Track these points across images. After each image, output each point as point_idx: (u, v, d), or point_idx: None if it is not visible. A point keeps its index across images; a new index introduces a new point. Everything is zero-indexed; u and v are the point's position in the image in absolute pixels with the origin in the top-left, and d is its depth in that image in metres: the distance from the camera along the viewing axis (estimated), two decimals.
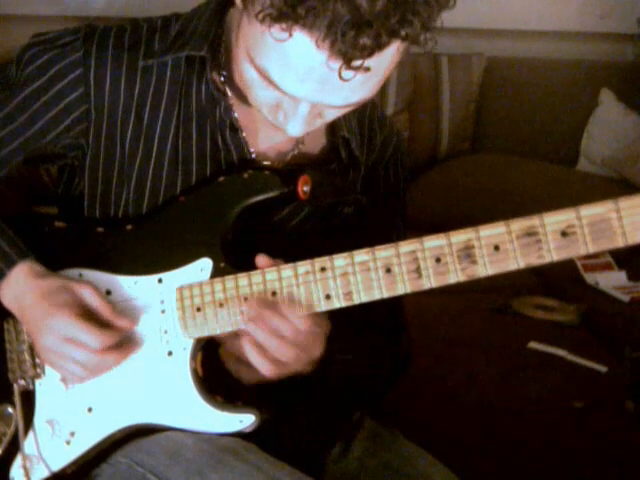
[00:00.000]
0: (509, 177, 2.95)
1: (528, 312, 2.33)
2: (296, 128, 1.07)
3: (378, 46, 0.94)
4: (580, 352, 2.09)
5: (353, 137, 1.25)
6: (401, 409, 1.57)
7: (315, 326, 1.10)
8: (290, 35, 0.94)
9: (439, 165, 3.17)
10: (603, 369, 2.03)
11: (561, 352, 2.09)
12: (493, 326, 2.26)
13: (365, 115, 1.30)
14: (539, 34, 3.39)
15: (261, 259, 1.11)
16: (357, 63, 0.95)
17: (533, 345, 2.13)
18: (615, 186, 2.88)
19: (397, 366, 1.35)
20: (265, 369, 1.09)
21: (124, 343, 1.14)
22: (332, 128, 1.24)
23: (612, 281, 2.47)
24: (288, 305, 1.08)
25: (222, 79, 1.18)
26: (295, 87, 1.00)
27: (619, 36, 3.38)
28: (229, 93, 1.18)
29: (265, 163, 1.21)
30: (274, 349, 1.08)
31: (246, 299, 1.11)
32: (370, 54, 0.95)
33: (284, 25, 0.94)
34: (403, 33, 0.95)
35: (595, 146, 3.10)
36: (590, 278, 2.49)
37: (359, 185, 1.28)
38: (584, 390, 1.95)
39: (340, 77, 0.96)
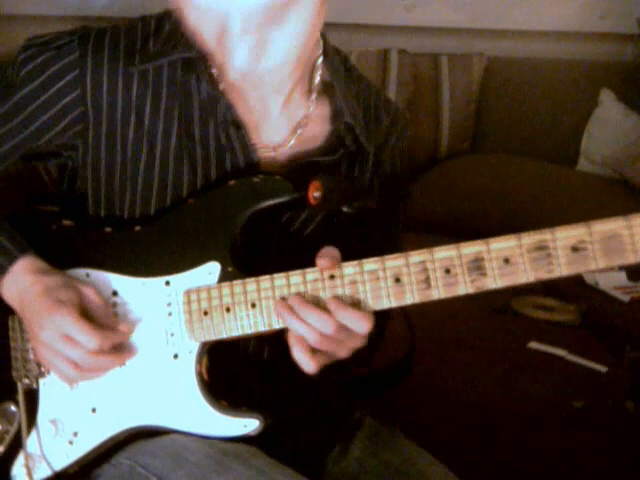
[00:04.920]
0: (509, 177, 2.95)
1: (528, 312, 2.32)
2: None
3: None
4: (580, 352, 2.09)
5: (357, 124, 1.24)
6: (401, 409, 1.57)
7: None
8: None
9: (439, 165, 3.17)
10: (603, 369, 2.03)
11: (561, 352, 2.09)
12: (493, 326, 2.26)
13: (370, 103, 1.29)
14: (539, 34, 3.40)
15: (322, 261, 1.08)
16: None
17: (533, 345, 2.12)
18: (615, 186, 2.89)
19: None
20: (307, 364, 1.07)
21: (122, 347, 1.14)
22: (336, 116, 1.23)
23: (612, 281, 2.47)
24: (335, 304, 1.06)
25: (215, 75, 1.18)
26: None
27: (619, 36, 3.39)
28: (221, 88, 1.17)
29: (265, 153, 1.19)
30: (313, 341, 1.06)
31: (254, 305, 1.10)
32: None
33: None
34: None
35: (595, 146, 3.10)
36: (590, 278, 2.48)
37: (369, 173, 1.27)
38: (584, 390, 1.94)
39: None
